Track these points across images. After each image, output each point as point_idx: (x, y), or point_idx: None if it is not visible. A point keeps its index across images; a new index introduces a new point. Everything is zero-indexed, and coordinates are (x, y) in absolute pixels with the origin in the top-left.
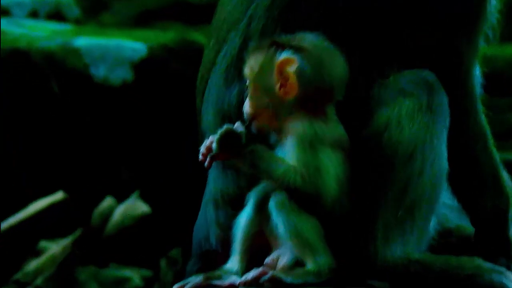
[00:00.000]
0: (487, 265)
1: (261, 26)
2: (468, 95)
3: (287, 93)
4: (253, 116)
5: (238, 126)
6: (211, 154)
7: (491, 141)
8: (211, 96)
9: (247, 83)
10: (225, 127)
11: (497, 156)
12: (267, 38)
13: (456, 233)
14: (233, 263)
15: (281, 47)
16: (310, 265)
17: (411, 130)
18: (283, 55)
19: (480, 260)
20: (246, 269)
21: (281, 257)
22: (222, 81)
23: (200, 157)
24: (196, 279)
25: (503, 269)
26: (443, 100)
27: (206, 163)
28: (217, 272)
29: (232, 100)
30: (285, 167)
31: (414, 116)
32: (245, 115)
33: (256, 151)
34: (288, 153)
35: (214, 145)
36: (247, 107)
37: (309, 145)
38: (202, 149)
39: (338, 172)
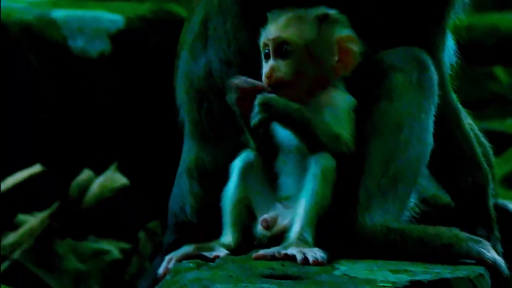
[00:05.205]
0: (464, 234)
1: (218, 0)
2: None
3: (344, 68)
4: (285, 82)
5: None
6: (256, 121)
7: (464, 118)
8: (181, 71)
9: (288, 50)
10: (262, 94)
11: (471, 132)
12: (228, 12)
13: (433, 202)
14: (226, 235)
15: (335, 22)
16: (307, 236)
17: (400, 103)
18: (345, 32)
19: (457, 229)
20: (239, 240)
21: (280, 217)
22: (189, 55)
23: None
24: (187, 249)
25: (480, 238)
26: (432, 77)
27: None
28: (210, 244)
29: (200, 72)
30: (331, 133)
31: (403, 90)
32: (272, 80)
33: (303, 111)
34: (329, 121)
35: (256, 113)
36: (279, 72)
37: (349, 115)
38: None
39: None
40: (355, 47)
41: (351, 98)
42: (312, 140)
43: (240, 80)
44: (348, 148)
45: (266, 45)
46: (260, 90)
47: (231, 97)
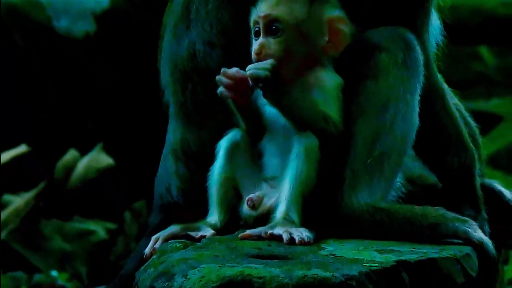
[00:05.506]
0: (451, 214)
1: None
2: None
3: (334, 49)
4: (275, 61)
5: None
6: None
7: (449, 98)
8: (165, 53)
9: (279, 28)
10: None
11: (457, 113)
12: None
13: (419, 182)
14: (212, 215)
15: (325, 2)
16: (293, 216)
17: (386, 83)
18: (336, 12)
19: (444, 209)
20: (226, 220)
21: (266, 196)
22: (172, 36)
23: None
24: (174, 229)
25: (467, 218)
26: (418, 57)
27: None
28: (196, 224)
29: (184, 53)
30: (320, 113)
31: (389, 70)
32: (261, 57)
33: (292, 93)
34: (318, 101)
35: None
36: (269, 49)
37: (337, 95)
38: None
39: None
40: (346, 28)
41: (339, 78)
42: (299, 121)
43: (224, 74)
44: (336, 128)
45: (256, 22)
46: (245, 79)
47: (220, 92)
